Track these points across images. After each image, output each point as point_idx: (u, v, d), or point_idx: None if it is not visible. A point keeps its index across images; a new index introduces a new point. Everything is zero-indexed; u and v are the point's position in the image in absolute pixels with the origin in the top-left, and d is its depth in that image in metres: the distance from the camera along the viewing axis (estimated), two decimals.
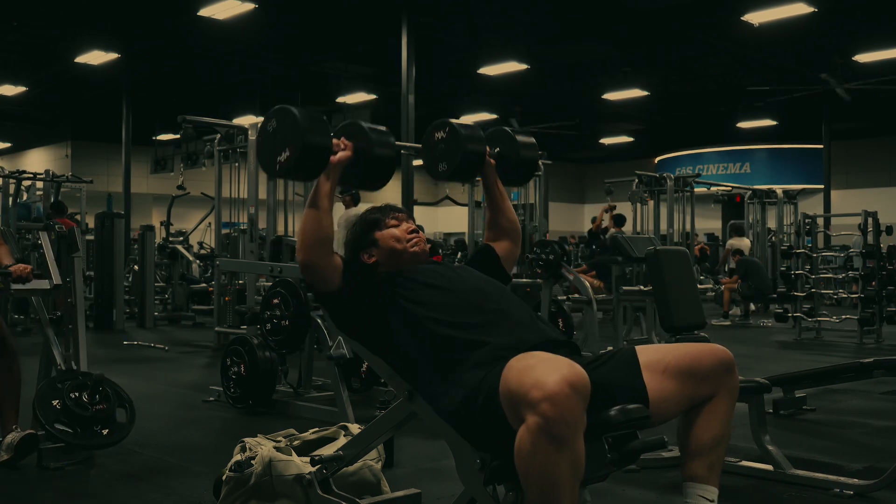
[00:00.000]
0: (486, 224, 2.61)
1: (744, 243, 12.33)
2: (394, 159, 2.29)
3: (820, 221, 10.69)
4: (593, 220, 12.79)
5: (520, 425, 1.73)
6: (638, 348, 2.11)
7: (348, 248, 2.43)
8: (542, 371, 1.72)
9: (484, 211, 9.84)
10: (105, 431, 3.46)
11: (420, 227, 2.53)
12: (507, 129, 2.62)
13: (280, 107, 2.19)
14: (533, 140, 2.63)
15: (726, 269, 12.83)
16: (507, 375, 1.81)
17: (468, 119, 20.08)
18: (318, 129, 2.14)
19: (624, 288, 6.78)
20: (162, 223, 13.02)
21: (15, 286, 3.54)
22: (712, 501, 2.07)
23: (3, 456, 3.42)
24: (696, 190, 11.58)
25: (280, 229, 7.89)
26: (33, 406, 3.40)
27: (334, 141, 2.20)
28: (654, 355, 2.07)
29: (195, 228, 13.75)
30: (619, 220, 11.28)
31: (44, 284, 3.70)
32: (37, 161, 21.90)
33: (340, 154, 2.20)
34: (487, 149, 2.52)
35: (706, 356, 2.06)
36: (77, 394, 3.44)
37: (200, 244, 14.66)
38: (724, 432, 2.09)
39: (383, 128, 2.29)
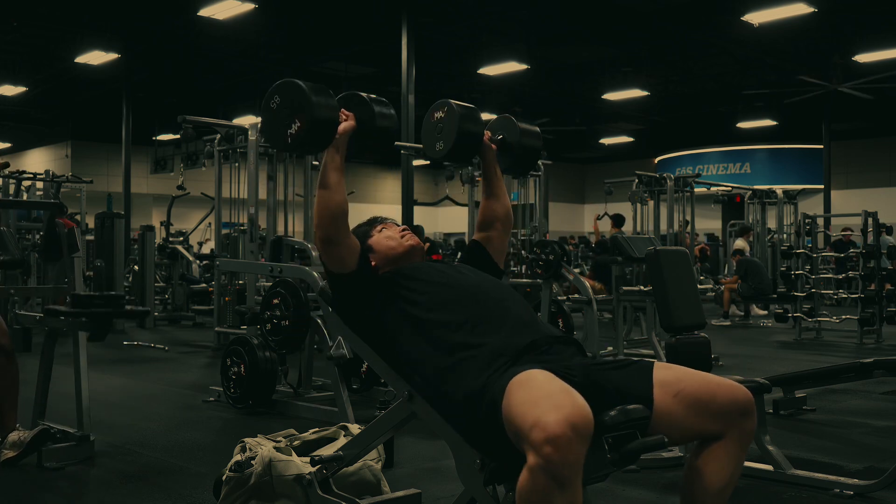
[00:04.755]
0: (479, 209, 2.59)
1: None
2: (395, 128, 2.30)
3: (820, 221, 10.69)
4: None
5: (521, 445, 1.73)
6: (657, 364, 2.03)
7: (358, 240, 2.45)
8: (544, 409, 1.68)
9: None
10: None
11: (420, 228, 2.53)
12: (511, 116, 2.62)
13: (283, 81, 2.19)
14: (537, 129, 2.63)
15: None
16: (509, 403, 1.79)
17: None
18: (325, 97, 2.15)
19: (624, 288, 6.78)
20: (162, 223, 13.02)
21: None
22: None
23: (7, 454, 3.42)
24: (696, 190, 11.57)
25: (280, 229, 7.89)
26: (45, 311, 3.41)
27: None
28: (670, 375, 1.99)
29: (195, 228, 13.76)
30: (618, 221, 11.29)
31: None
32: (37, 161, 21.91)
33: (345, 124, 2.20)
34: (487, 133, 2.52)
35: (723, 393, 1.95)
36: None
37: (200, 244, 14.67)
38: (729, 480, 1.97)
39: (382, 98, 2.30)
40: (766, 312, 11.36)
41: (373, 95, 2.28)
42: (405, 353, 2.16)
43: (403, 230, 2.40)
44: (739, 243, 12.15)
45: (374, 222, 2.46)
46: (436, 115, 2.51)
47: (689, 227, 11.25)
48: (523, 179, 9.82)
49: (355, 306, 2.28)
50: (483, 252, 2.50)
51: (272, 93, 2.19)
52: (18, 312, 3.77)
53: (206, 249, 14.37)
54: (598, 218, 12.49)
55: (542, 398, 1.73)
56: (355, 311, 2.29)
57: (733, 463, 1.97)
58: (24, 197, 11.28)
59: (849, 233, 11.63)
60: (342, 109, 2.22)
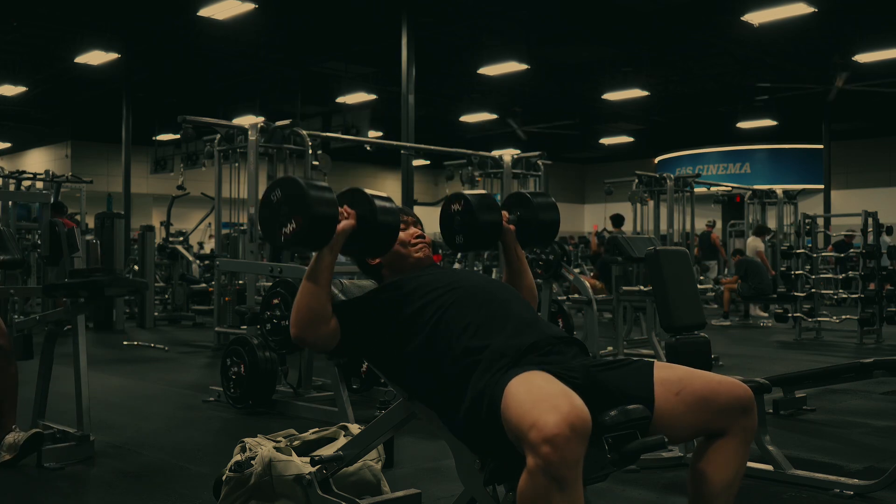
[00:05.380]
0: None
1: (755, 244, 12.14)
2: (397, 225, 2.24)
3: (820, 221, 10.68)
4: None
5: (520, 447, 1.73)
6: (657, 364, 2.05)
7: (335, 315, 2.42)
8: (542, 410, 1.69)
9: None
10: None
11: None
12: (525, 192, 2.61)
13: (285, 177, 2.17)
14: (552, 201, 2.60)
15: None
16: (508, 405, 1.79)
17: (469, 119, 20.10)
18: (326, 200, 2.10)
19: (624, 288, 6.78)
20: (162, 223, 13.03)
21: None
22: None
23: (4, 456, 3.42)
24: (696, 190, 11.58)
25: None
26: (43, 289, 3.39)
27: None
28: (671, 374, 2.00)
29: (195, 228, 13.77)
30: (618, 221, 11.30)
31: None
32: (37, 161, 21.91)
33: (344, 223, 2.15)
34: (505, 214, 2.49)
35: (724, 390, 1.96)
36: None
37: (201, 245, 14.66)
38: (734, 478, 1.98)
39: (384, 194, 2.28)
40: (766, 314, 11.36)
41: (375, 192, 2.24)
42: (411, 371, 2.16)
43: (418, 238, 2.38)
44: (756, 243, 11.91)
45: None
46: (453, 207, 2.48)
47: (689, 239, 11.29)
48: (523, 179, 9.84)
49: (355, 352, 2.29)
50: None
51: (274, 186, 2.15)
52: (17, 320, 3.77)
53: (207, 250, 14.38)
54: (597, 233, 12.44)
55: (541, 400, 1.73)
56: (356, 353, 2.31)
57: (737, 460, 1.98)
58: None
59: (851, 233, 11.64)
60: (344, 206, 2.18)
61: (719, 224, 18.51)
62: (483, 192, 2.52)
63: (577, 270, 8.56)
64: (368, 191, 2.24)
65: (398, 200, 12.79)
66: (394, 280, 2.29)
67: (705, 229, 13.99)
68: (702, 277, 11.98)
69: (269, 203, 2.15)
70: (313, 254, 2.17)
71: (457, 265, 10.78)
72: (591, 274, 9.97)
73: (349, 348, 2.23)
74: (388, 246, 2.27)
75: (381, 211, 2.19)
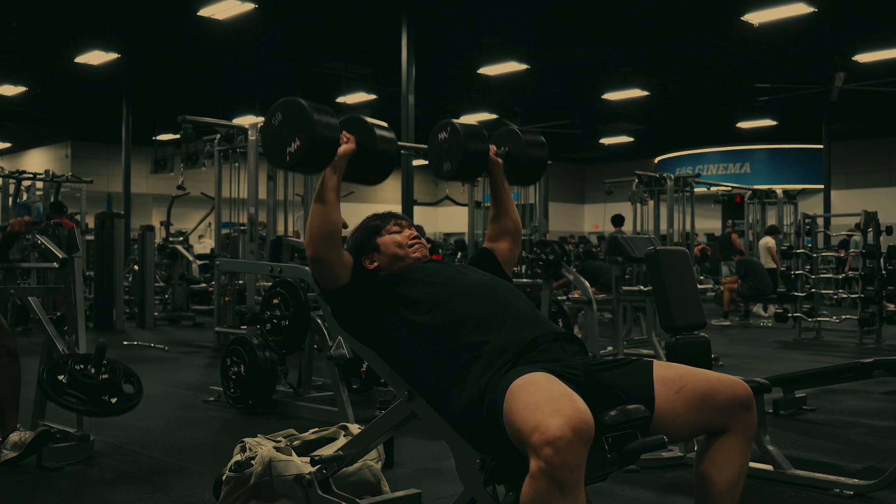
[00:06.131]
0: (489, 221, 2.60)
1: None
2: (395, 153, 2.29)
3: (820, 221, 10.68)
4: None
5: (523, 450, 1.74)
6: (656, 363, 2.06)
7: (350, 254, 2.43)
8: (545, 413, 1.69)
9: (484, 211, 9.86)
10: (114, 400, 3.40)
11: (420, 228, 2.52)
12: (515, 128, 2.62)
13: (286, 99, 2.19)
14: (542, 139, 2.62)
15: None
16: (511, 407, 1.79)
17: (468, 119, 20.12)
18: (327, 118, 2.15)
19: (624, 288, 6.78)
20: (162, 223, 13.03)
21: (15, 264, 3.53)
22: None
23: (7, 455, 3.42)
24: (696, 190, 11.58)
25: (280, 229, 7.89)
26: (39, 381, 3.36)
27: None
28: (671, 373, 2.01)
29: (195, 228, 13.77)
30: (617, 221, 11.30)
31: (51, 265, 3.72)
32: (37, 161, 21.91)
33: (345, 147, 2.20)
34: (493, 147, 2.52)
35: (724, 388, 1.97)
36: (82, 366, 3.40)
37: (199, 237, 14.63)
38: (738, 475, 1.98)
39: (384, 123, 2.30)
40: (767, 315, 11.36)
41: (374, 120, 2.28)
42: (408, 358, 2.16)
43: (414, 239, 2.39)
44: (768, 241, 11.81)
45: (388, 218, 2.42)
46: (440, 136, 2.51)
47: (689, 239, 11.27)
48: None
49: (353, 316, 2.27)
50: (493, 260, 2.50)
51: (274, 110, 2.18)
52: (23, 286, 3.77)
53: (200, 248, 14.35)
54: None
55: (543, 402, 1.73)
56: (354, 320, 2.29)
57: (740, 458, 1.99)
58: (24, 196, 11.30)
59: (853, 232, 11.63)
60: (343, 132, 2.22)
61: (712, 224, 18.55)
62: (471, 123, 2.53)
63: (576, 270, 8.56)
64: (367, 118, 2.27)
65: (398, 200, 12.81)
66: (389, 274, 2.30)
67: (726, 230, 13.97)
68: (702, 277, 11.96)
69: (271, 128, 2.18)
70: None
71: (457, 263, 10.72)
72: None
73: (353, 299, 2.23)
74: (386, 171, 2.31)
75: (381, 139, 2.24)
